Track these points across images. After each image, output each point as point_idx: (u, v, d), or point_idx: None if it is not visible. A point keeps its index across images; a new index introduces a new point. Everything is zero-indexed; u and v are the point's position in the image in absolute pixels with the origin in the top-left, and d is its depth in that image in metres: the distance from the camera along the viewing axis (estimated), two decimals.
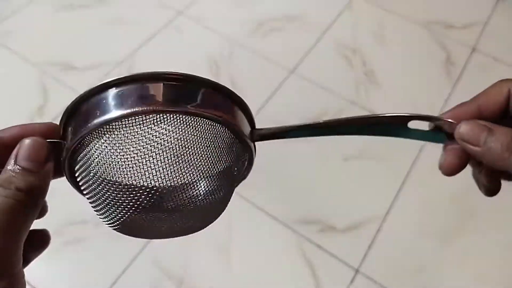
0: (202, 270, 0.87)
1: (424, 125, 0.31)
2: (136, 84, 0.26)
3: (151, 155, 0.27)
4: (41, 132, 0.28)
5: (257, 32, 1.23)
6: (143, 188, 0.28)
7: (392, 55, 1.21)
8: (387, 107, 1.09)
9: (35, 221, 0.27)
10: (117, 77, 0.26)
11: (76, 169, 0.28)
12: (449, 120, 0.30)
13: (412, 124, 0.30)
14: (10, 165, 0.25)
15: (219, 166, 0.29)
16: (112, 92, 0.26)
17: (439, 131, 0.30)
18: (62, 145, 0.27)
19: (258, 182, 0.94)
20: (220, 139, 0.29)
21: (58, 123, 0.29)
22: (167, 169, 0.28)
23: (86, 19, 1.24)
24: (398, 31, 1.26)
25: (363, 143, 1.00)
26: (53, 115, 1.02)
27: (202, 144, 0.28)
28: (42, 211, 0.30)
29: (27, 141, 0.26)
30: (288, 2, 1.31)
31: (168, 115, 0.27)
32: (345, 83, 1.14)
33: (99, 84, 0.26)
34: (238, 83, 1.12)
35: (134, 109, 0.25)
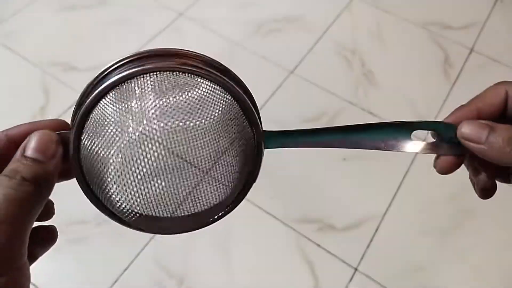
0: (203, 269, 0.87)
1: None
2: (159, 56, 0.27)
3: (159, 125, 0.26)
4: (50, 128, 0.28)
5: (257, 33, 1.23)
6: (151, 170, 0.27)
7: (391, 56, 1.21)
8: (386, 108, 1.09)
9: (42, 222, 0.27)
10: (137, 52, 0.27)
11: (83, 153, 0.28)
12: (451, 123, 0.30)
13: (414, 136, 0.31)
14: (18, 156, 0.26)
15: (231, 146, 0.29)
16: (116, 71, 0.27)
17: (441, 139, 0.31)
18: (71, 134, 0.27)
19: (258, 182, 0.94)
20: (233, 115, 0.29)
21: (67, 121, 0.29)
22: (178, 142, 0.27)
23: (87, 19, 1.25)
24: (396, 32, 1.27)
25: None
26: (55, 115, 1.03)
27: (214, 115, 0.28)
28: (48, 213, 0.30)
29: (35, 133, 0.26)
30: (287, 3, 1.31)
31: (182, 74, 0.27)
32: (344, 83, 1.15)
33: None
34: None
35: (146, 67, 0.26)
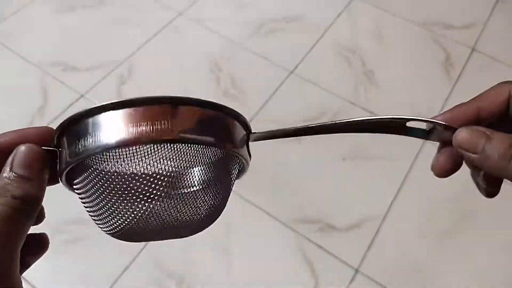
0: (202, 270, 0.87)
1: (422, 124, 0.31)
2: (131, 109, 0.26)
3: (148, 179, 0.27)
4: (37, 137, 0.27)
5: (257, 33, 1.23)
6: (143, 201, 0.28)
7: (392, 55, 1.21)
8: (387, 107, 1.09)
9: (34, 226, 0.27)
10: (111, 101, 0.26)
11: (73, 181, 0.28)
12: (446, 124, 0.30)
13: (411, 123, 0.31)
14: (6, 173, 0.25)
15: (216, 180, 0.30)
16: (109, 115, 0.26)
17: (436, 132, 0.30)
18: (57, 152, 0.27)
19: (258, 182, 0.94)
20: (214, 157, 0.29)
21: (54, 128, 0.28)
22: (166, 192, 0.28)
23: (86, 19, 1.25)
24: (397, 32, 1.26)
25: (363, 143, 1.00)
26: (54, 115, 1.03)
27: (198, 162, 0.29)
28: (39, 218, 0.29)
29: (22, 148, 0.26)
30: (287, 3, 1.31)
31: (165, 145, 0.27)
32: (345, 83, 1.14)
33: (95, 106, 0.26)
34: (238, 84, 1.12)
35: (131, 138, 0.25)
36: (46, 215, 0.30)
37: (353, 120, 0.30)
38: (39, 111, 1.06)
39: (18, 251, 0.25)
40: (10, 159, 0.26)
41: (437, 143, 0.32)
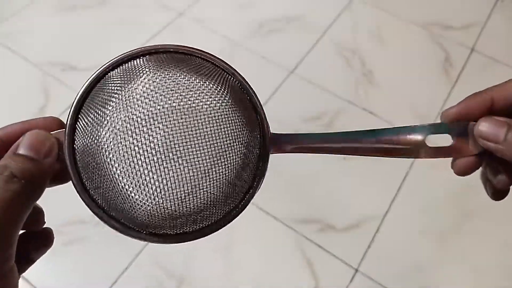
0: (202, 270, 0.87)
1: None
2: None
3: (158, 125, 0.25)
4: (45, 127, 0.27)
5: (257, 33, 1.23)
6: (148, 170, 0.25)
7: (391, 56, 1.21)
8: (386, 108, 1.09)
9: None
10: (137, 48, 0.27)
11: (78, 150, 0.26)
12: (465, 122, 0.29)
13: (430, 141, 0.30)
14: (10, 153, 0.24)
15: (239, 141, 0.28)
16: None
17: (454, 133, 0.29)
18: (64, 132, 0.27)
19: None
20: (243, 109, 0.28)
21: (61, 119, 0.28)
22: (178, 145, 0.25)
23: (87, 19, 1.25)
24: (397, 32, 1.26)
25: None
26: (55, 115, 1.02)
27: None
28: (38, 223, 0.28)
29: (29, 132, 0.25)
30: (287, 3, 1.31)
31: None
32: (345, 83, 1.14)
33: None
34: None
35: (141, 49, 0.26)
36: (47, 215, 0.29)
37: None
38: (40, 111, 1.06)
39: (14, 238, 0.23)
40: (16, 143, 0.25)
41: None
